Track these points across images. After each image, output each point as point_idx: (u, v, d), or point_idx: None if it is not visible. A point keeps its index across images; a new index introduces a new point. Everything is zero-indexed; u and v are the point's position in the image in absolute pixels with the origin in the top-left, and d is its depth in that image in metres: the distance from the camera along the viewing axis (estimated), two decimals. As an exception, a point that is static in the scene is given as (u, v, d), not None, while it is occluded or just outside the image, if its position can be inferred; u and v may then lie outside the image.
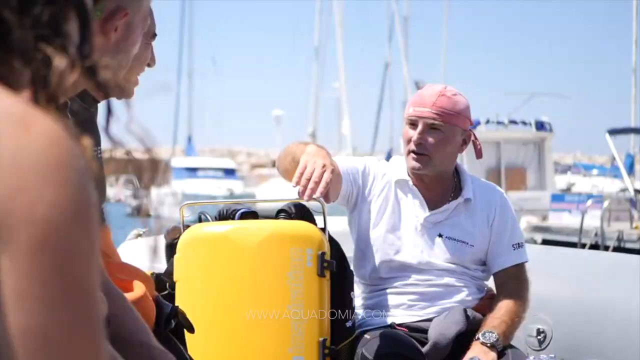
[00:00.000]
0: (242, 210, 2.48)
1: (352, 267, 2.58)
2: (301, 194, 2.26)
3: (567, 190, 17.29)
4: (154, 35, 1.97)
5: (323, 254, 2.36)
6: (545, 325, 2.65)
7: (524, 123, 17.49)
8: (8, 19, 0.64)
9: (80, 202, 0.60)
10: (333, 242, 2.46)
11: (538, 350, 2.66)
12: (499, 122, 17.59)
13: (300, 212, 2.49)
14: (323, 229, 2.45)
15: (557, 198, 15.86)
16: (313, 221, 2.49)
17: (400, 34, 35.16)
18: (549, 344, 2.64)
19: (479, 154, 2.65)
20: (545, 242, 14.61)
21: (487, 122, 17.50)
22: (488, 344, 2.37)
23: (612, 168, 16.86)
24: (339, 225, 3.13)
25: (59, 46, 0.66)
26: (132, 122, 0.78)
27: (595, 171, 17.45)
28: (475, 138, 2.62)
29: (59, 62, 0.66)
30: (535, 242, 14.78)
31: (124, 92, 1.91)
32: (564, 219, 15.04)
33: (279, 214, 2.50)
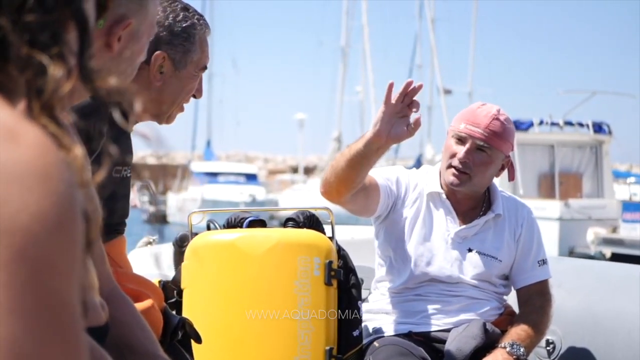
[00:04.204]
0: (250, 219, 2.76)
1: (376, 273, 2.86)
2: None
3: None
4: (204, 67, 2.19)
5: (330, 262, 2.62)
6: (554, 336, 2.89)
7: (581, 124, 17.43)
8: (3, 26, 0.68)
9: (63, 214, 0.63)
10: (341, 251, 2.72)
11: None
12: (553, 124, 17.54)
13: (309, 221, 2.76)
14: (331, 238, 2.71)
15: (630, 207, 15.66)
16: (321, 230, 2.76)
17: (432, 35, 35.65)
18: (558, 354, 2.89)
19: (511, 177, 2.89)
20: (615, 256, 14.35)
21: (541, 123, 17.44)
22: (514, 356, 2.63)
23: None
24: (347, 234, 3.40)
25: (55, 55, 0.70)
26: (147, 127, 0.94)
27: (632, 179, 17.37)
28: (512, 164, 2.86)
29: (55, 71, 0.69)
30: (604, 256, 14.64)
31: (166, 118, 2.15)
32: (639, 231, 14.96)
33: (287, 222, 2.78)
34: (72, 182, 0.66)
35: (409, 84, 2.48)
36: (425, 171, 2.91)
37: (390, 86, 2.48)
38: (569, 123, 17.56)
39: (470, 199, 2.84)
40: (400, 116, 2.49)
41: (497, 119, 2.74)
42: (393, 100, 2.47)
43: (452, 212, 2.82)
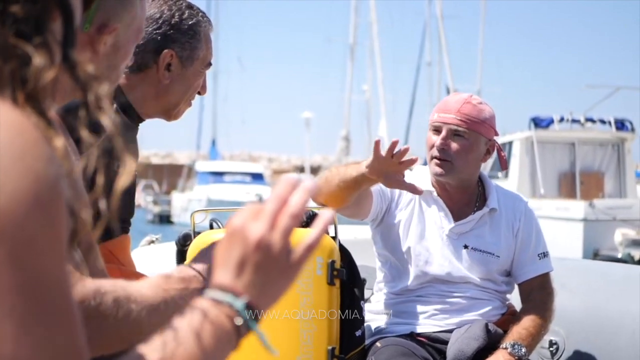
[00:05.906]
0: (252, 218, 2.87)
1: (377, 276, 2.96)
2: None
3: None
4: (209, 64, 2.33)
5: (333, 262, 2.72)
6: (557, 337, 2.99)
7: (602, 122, 17.40)
8: None
9: (42, 192, 0.65)
10: (344, 251, 2.83)
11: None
12: (574, 121, 17.53)
13: (312, 220, 2.86)
14: (334, 237, 2.82)
15: (660, 207, 15.61)
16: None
17: (442, 32, 35.81)
18: (561, 355, 2.98)
19: (503, 165, 2.99)
20: (644, 259, 14.20)
21: (561, 120, 17.42)
22: (515, 357, 2.72)
23: None
24: (350, 234, 3.51)
25: (39, 44, 0.72)
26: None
27: None
28: (500, 149, 2.97)
29: (38, 60, 0.71)
30: (632, 258, 14.55)
31: (174, 114, 2.27)
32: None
33: (290, 221, 2.88)
34: (52, 160, 0.67)
35: (394, 144, 2.55)
36: (417, 171, 3.01)
37: (377, 143, 2.57)
38: (590, 120, 17.52)
39: (462, 192, 2.94)
40: (393, 171, 2.58)
41: (469, 102, 2.85)
42: (383, 153, 2.55)
43: (445, 209, 2.92)
